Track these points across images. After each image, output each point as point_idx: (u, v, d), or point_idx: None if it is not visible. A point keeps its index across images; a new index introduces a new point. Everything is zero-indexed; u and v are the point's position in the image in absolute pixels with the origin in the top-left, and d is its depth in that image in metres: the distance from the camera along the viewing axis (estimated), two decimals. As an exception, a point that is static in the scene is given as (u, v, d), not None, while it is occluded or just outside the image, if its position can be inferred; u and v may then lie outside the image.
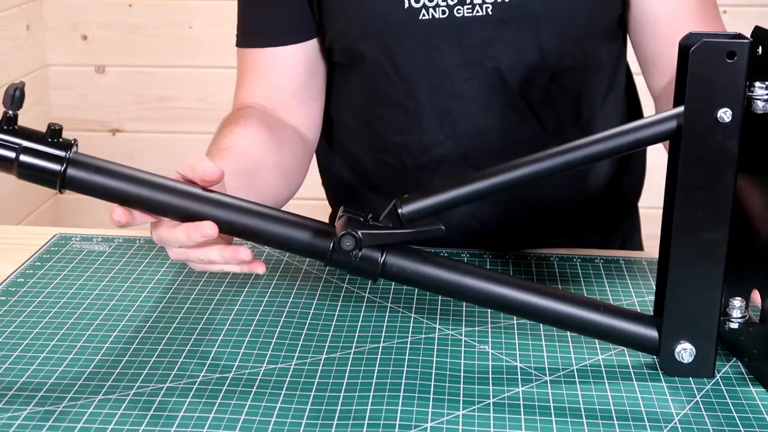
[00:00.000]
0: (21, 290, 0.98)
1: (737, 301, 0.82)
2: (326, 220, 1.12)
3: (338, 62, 1.11)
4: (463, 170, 1.08)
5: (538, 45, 1.04)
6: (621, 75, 1.14)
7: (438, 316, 0.92)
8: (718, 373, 0.82)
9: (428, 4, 1.02)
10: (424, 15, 1.02)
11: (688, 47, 0.76)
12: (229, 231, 0.79)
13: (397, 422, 0.75)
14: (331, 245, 0.78)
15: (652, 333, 0.82)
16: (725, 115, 0.76)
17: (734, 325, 0.82)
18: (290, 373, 0.82)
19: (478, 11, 1.02)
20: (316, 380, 0.81)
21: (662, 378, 0.82)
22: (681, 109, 0.77)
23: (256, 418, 0.75)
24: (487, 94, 1.06)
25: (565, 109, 1.09)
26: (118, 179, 0.77)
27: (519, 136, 1.08)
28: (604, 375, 0.82)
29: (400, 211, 0.79)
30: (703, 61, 0.75)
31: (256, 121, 1.03)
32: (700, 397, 0.79)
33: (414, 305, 0.94)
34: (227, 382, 0.81)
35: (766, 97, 0.76)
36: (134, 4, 2.20)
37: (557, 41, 1.04)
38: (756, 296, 0.80)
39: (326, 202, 1.26)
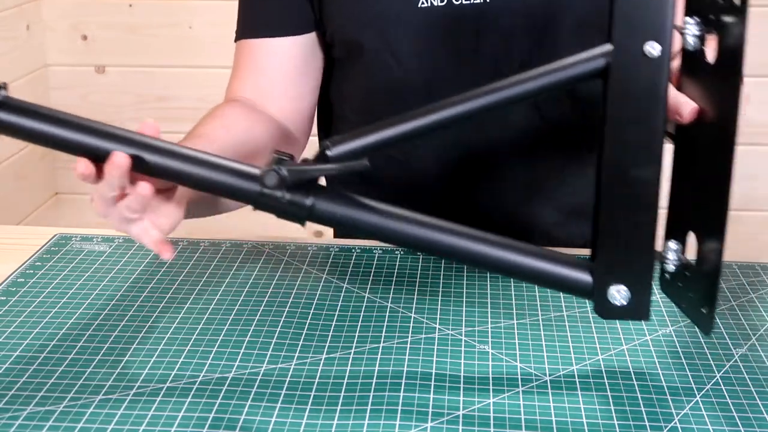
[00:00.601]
0: (21, 290, 0.98)
1: (673, 244, 0.79)
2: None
3: (338, 57, 1.12)
4: (460, 159, 1.08)
5: (535, 35, 1.04)
6: None
7: (438, 316, 0.92)
8: (718, 373, 0.82)
9: None
10: (423, 3, 1.03)
11: None
12: (154, 172, 0.76)
13: (397, 422, 0.75)
14: (260, 187, 0.76)
15: (586, 276, 0.79)
16: (653, 48, 0.73)
17: (670, 268, 0.80)
18: (290, 373, 0.82)
19: None
20: (316, 380, 0.81)
21: (662, 378, 0.82)
22: (610, 46, 0.75)
23: (256, 418, 0.75)
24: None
25: (563, 101, 1.09)
26: (48, 122, 0.75)
27: (516, 126, 1.08)
28: (605, 375, 0.82)
29: (328, 152, 0.77)
30: None
31: (240, 111, 1.04)
32: (700, 397, 0.79)
33: (414, 305, 0.94)
34: (227, 382, 0.81)
35: (696, 32, 0.74)
36: (134, 4, 2.20)
37: (555, 33, 1.04)
38: None
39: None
